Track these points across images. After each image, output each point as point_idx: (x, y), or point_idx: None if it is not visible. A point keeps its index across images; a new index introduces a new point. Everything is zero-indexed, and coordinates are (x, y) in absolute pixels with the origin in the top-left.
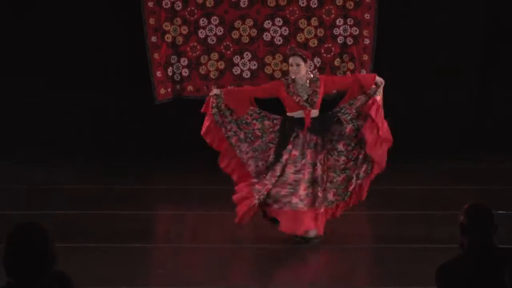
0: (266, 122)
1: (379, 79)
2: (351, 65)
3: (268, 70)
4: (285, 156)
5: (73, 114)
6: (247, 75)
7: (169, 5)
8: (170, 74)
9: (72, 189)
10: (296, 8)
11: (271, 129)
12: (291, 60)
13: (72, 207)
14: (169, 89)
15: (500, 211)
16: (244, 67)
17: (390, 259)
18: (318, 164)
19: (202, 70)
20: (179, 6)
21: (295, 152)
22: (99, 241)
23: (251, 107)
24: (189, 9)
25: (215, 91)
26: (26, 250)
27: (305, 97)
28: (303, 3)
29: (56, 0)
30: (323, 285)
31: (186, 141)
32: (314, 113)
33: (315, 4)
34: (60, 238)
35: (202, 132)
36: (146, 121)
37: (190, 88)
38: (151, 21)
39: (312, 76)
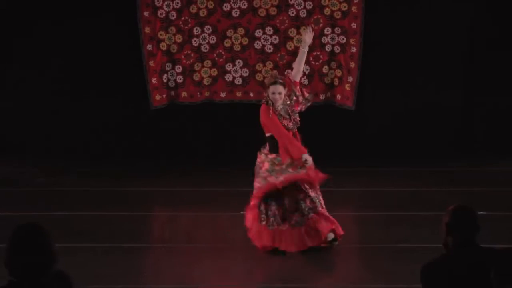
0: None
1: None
2: (338, 72)
3: (259, 77)
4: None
5: (73, 119)
6: (238, 82)
7: (164, 15)
8: (165, 81)
9: (71, 191)
10: (286, 17)
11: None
12: (272, 88)
13: (71, 209)
14: (164, 95)
15: (481, 212)
16: (236, 74)
17: (377, 258)
18: None
19: (196, 77)
20: (173, 15)
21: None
22: (98, 241)
23: None
24: (183, 18)
25: None
26: (28, 250)
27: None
28: (292, 13)
29: (54, 9)
30: (316, 283)
31: (180, 145)
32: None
33: (304, 14)
34: (59, 239)
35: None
36: (142, 126)
37: (184, 94)
38: (147, 30)
39: (288, 102)
